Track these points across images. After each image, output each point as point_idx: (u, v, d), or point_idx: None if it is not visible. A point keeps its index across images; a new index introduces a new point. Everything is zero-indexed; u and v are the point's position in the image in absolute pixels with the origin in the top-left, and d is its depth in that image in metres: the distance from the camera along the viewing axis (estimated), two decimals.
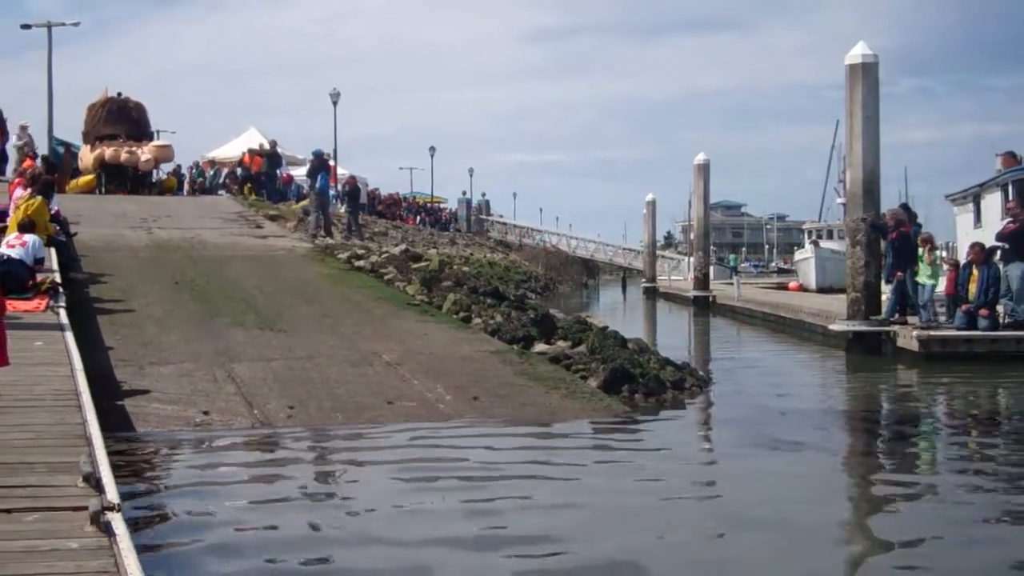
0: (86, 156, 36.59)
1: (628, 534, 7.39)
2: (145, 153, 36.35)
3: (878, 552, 7.38)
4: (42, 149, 34.42)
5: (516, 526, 7.51)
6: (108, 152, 35.54)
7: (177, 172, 42.55)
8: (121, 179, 36.09)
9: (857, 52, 19.95)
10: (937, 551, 7.20)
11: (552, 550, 6.96)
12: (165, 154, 38.37)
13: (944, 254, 28.41)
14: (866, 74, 19.86)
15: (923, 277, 19.34)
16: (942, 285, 20.13)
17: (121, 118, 37.20)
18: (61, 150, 37.80)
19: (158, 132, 43.48)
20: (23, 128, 33.67)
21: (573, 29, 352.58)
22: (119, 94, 38.51)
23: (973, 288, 18.71)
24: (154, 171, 38.53)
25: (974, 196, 27.52)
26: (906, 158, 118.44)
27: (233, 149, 45.59)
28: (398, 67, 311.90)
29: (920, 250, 19.68)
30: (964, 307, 18.40)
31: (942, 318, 19.39)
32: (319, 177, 29.82)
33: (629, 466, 9.60)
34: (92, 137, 36.82)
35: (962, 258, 21.23)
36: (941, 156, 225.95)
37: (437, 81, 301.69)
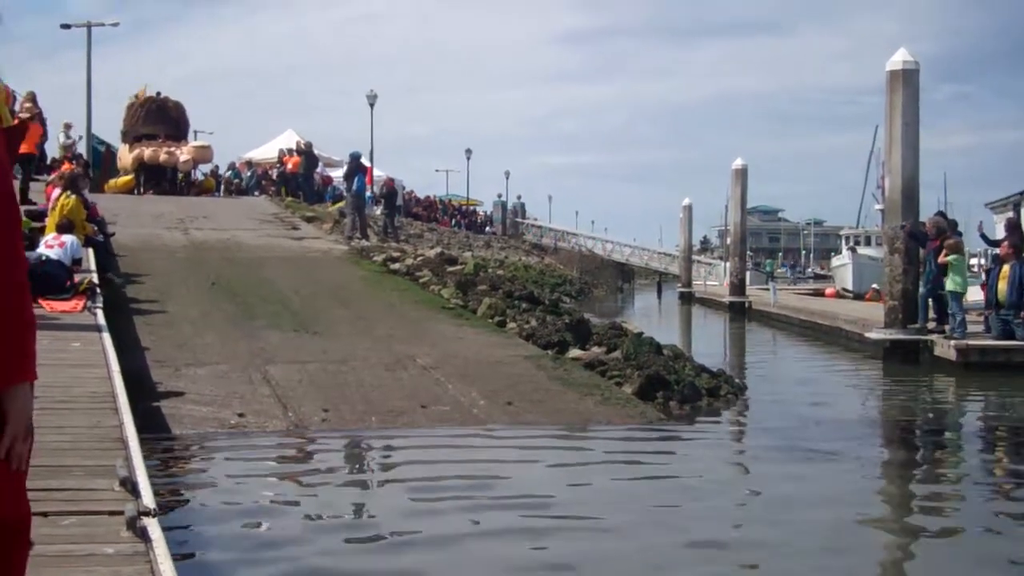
0: (124, 156, 36.49)
1: (657, 541, 7.34)
2: (184, 154, 36.14)
3: (908, 561, 7.31)
4: (81, 149, 34.53)
5: (545, 535, 7.49)
6: (147, 152, 35.32)
7: (214, 173, 42.57)
8: (160, 180, 35.85)
9: (898, 59, 19.80)
10: (967, 565, 7.13)
11: (578, 553, 6.93)
12: (204, 155, 38.19)
13: (983, 262, 28.13)
14: (907, 81, 19.70)
15: (951, 284, 18.97)
16: (977, 294, 19.87)
17: (160, 118, 36.91)
18: (102, 149, 38.05)
19: (195, 133, 43.60)
20: (67, 127, 33.85)
21: (609, 31, 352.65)
22: (158, 93, 38.17)
23: (1002, 286, 18.41)
24: (192, 172, 38.38)
25: (1015, 203, 27.30)
26: (945, 164, 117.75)
27: (270, 150, 45.79)
28: (435, 69, 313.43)
29: (952, 256, 19.13)
30: (983, 313, 17.96)
31: (979, 327, 19.16)
32: (356, 179, 29.87)
33: (662, 473, 9.57)
34: (131, 137, 36.64)
35: None
36: (981, 163, 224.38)
37: (473, 83, 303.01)
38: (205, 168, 40.60)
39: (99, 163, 37.46)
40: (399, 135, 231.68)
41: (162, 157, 35.45)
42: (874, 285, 39.15)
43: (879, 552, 7.60)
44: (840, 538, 7.59)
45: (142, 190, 35.01)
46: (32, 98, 25.15)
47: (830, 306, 31.45)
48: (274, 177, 41.44)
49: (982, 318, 19.60)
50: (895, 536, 8.08)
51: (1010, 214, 27.67)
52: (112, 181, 35.14)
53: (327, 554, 6.87)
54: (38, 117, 25.29)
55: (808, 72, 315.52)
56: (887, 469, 10.66)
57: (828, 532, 7.71)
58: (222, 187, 42.30)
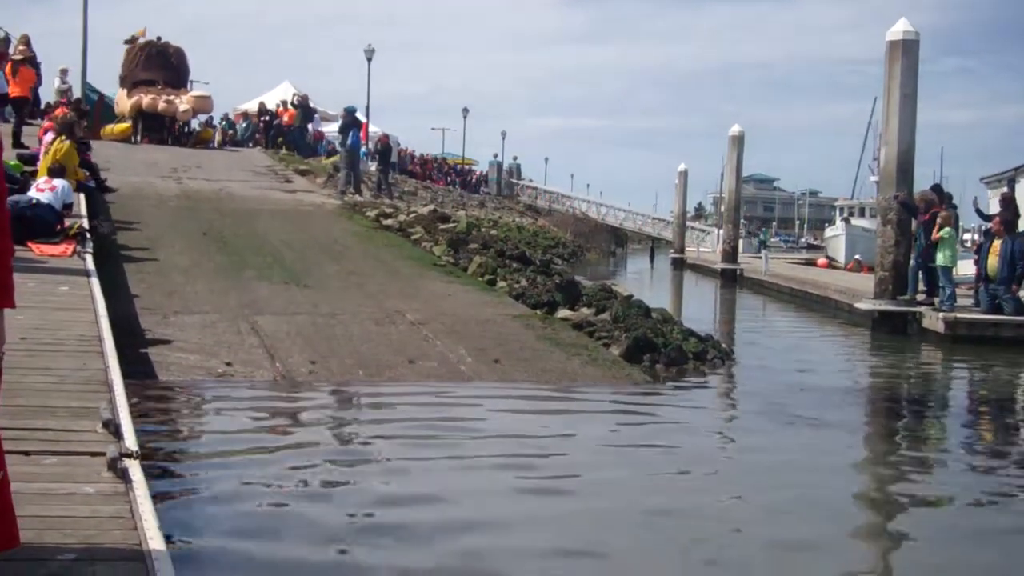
0: (122, 101, 35.54)
1: (636, 501, 7.39)
2: (184, 103, 35.10)
3: (886, 529, 7.37)
4: (77, 94, 34.13)
5: (527, 486, 7.55)
6: (146, 100, 34.33)
7: (209, 123, 42.04)
8: (158, 128, 35.02)
9: (898, 28, 19.74)
10: (945, 532, 7.19)
11: (557, 512, 6.99)
12: (204, 105, 37.12)
13: (976, 237, 28.16)
14: (906, 51, 19.65)
15: (942, 259, 19.01)
16: (969, 268, 19.92)
17: (160, 63, 35.66)
18: (95, 97, 37.66)
19: (192, 82, 42.87)
20: (63, 72, 33.58)
21: None
22: (158, 38, 36.82)
23: (993, 261, 18.46)
24: (191, 121, 37.42)
25: (1009, 179, 27.31)
26: (944, 139, 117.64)
27: (266, 102, 45.52)
28: (434, 26, 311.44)
29: (944, 230, 19.13)
30: (972, 286, 17.96)
31: (969, 300, 19.22)
32: (350, 134, 29.79)
33: (644, 433, 9.63)
34: (129, 82, 35.48)
35: None
36: (981, 138, 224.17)
37: (473, 42, 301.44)
38: (203, 118, 39.85)
39: (91, 113, 36.92)
40: (396, 92, 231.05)
41: (161, 105, 34.50)
42: (856, 256, 39.31)
43: (856, 519, 7.66)
44: (819, 504, 7.65)
45: (139, 138, 34.36)
46: (26, 41, 25.04)
47: (821, 276, 31.53)
48: (268, 128, 41.07)
49: (972, 292, 19.66)
50: (874, 503, 8.15)
51: (1004, 189, 27.66)
52: (108, 127, 34.17)
53: (306, 500, 6.91)
54: (31, 60, 25.17)
55: (810, 41, 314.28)
56: (869, 436, 10.75)
57: (808, 498, 7.77)
58: (216, 137, 41.83)
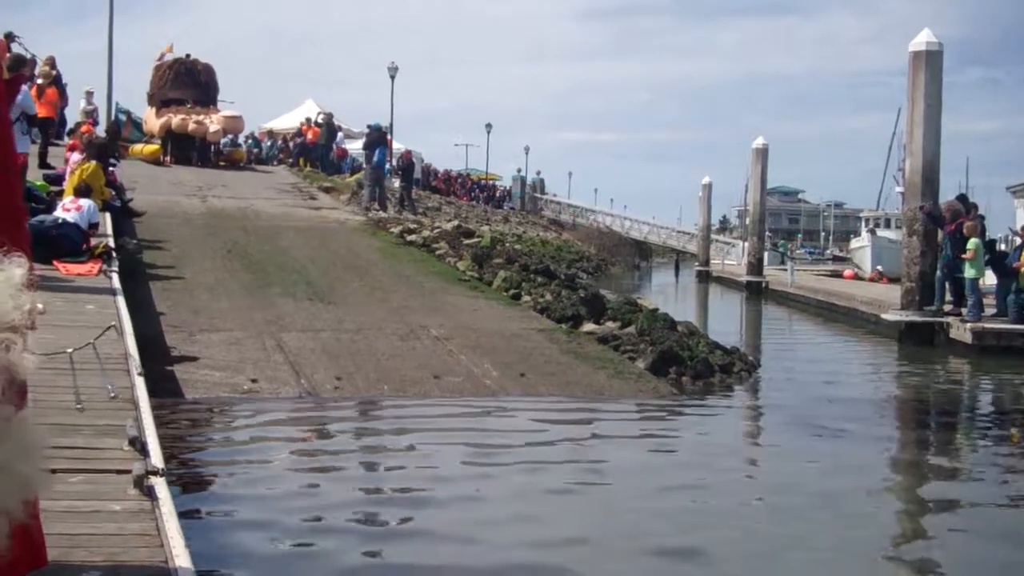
0: (151, 120, 34.66)
1: (663, 515, 7.36)
2: (214, 124, 33.93)
3: (912, 540, 7.31)
4: (102, 115, 34.15)
5: (552, 502, 7.52)
6: (175, 121, 33.32)
7: (234, 142, 41.48)
8: (188, 149, 33.75)
9: (921, 39, 19.67)
10: (972, 542, 7.13)
11: (578, 528, 6.96)
12: (235, 125, 35.76)
13: (1003, 247, 27.92)
14: (930, 62, 19.57)
15: (969, 271, 18.88)
16: (990, 278, 19.78)
17: (189, 82, 34.88)
18: (124, 118, 37.69)
19: (220, 101, 42.26)
20: (89, 93, 33.64)
21: (632, 8, 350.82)
22: (187, 55, 36.20)
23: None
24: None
25: None
26: (969, 149, 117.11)
27: (290, 120, 45.66)
28: (457, 41, 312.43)
29: (971, 242, 19.03)
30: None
31: (992, 310, 19.10)
32: (376, 151, 29.82)
33: (671, 446, 9.59)
34: (157, 100, 34.68)
35: None
36: (1006, 148, 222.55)
37: (495, 57, 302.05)
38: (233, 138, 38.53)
39: (119, 131, 36.76)
40: (419, 108, 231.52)
41: (191, 127, 33.37)
42: (878, 267, 39.07)
43: (885, 527, 7.59)
44: (849, 514, 7.59)
45: (169, 160, 33.11)
46: (51, 62, 25.21)
47: (847, 287, 31.35)
48: (291, 147, 41.05)
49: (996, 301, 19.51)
50: (904, 513, 8.09)
51: None
52: (137, 147, 33.33)
53: (334, 517, 6.91)
54: (56, 81, 25.36)
55: (833, 54, 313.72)
56: (897, 447, 10.67)
57: (836, 506, 7.71)
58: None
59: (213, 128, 33.78)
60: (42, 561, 3.58)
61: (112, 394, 5.57)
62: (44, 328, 3.69)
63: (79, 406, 5.92)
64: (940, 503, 8.22)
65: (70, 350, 5.97)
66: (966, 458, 10.12)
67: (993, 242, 20.24)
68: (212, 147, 34.95)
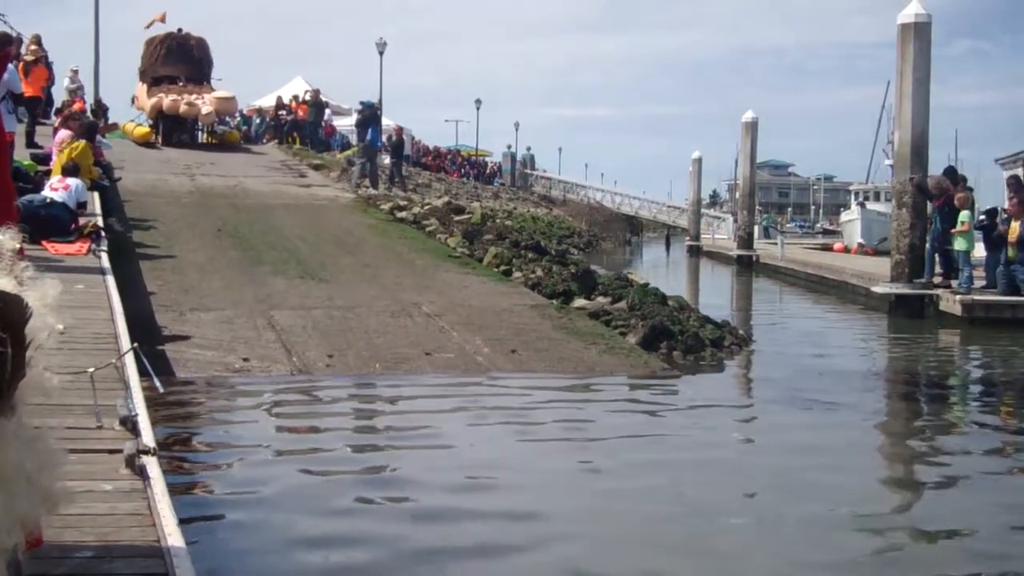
0: (142, 97, 33.38)
1: (655, 489, 7.38)
2: (206, 105, 32.30)
3: (901, 513, 7.34)
4: (89, 94, 33.83)
5: (543, 477, 7.54)
6: (166, 102, 31.96)
7: (229, 122, 40.61)
8: (180, 132, 32.86)
9: (910, 11, 19.64)
10: (964, 513, 7.15)
11: (579, 500, 6.98)
12: (228, 107, 34.36)
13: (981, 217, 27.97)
14: (918, 34, 19.55)
15: (959, 244, 18.94)
16: (980, 250, 19.84)
17: (181, 57, 33.40)
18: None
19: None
20: (75, 72, 33.38)
21: None
22: (179, 30, 34.49)
23: (1013, 235, 18.33)
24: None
25: None
26: (958, 121, 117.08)
27: (282, 97, 45.32)
28: (446, 16, 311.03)
29: (961, 214, 19.09)
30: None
31: (981, 282, 19.17)
32: (370, 130, 29.69)
33: (663, 421, 9.61)
34: (149, 77, 33.17)
35: None
36: (995, 120, 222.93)
37: (485, 32, 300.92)
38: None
39: (106, 111, 36.29)
40: (409, 84, 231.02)
41: (182, 108, 32.09)
42: (859, 240, 39.14)
43: (877, 501, 7.61)
44: (839, 487, 7.62)
45: (160, 142, 32.05)
46: (37, 40, 25.00)
47: (837, 260, 31.41)
48: (282, 124, 40.81)
49: (985, 273, 19.57)
50: (894, 484, 8.13)
51: (1019, 171, 27.50)
52: (128, 126, 32.71)
53: (326, 493, 6.92)
54: (43, 60, 25.18)
55: (825, 25, 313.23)
56: (888, 419, 10.71)
57: (826, 480, 7.74)
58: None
59: (205, 110, 32.54)
60: (38, 542, 3.58)
61: (98, 424, 5.56)
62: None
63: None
64: (931, 473, 8.26)
65: (91, 370, 5.96)
66: (955, 429, 10.15)
67: (995, 210, 20.23)
68: (204, 128, 34.02)
